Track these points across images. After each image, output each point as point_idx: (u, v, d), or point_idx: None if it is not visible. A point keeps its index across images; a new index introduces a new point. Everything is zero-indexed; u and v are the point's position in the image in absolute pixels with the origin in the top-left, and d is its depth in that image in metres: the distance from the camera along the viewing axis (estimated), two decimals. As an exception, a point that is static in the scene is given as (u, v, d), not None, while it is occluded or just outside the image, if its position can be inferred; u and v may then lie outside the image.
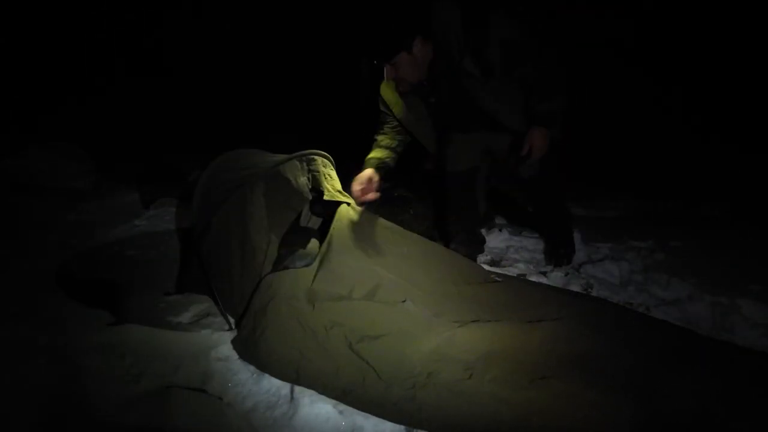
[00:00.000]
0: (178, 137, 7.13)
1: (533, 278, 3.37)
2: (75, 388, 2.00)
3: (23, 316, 2.52)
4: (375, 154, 2.96)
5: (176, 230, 4.01)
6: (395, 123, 2.95)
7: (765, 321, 2.87)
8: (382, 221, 3.06)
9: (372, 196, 2.89)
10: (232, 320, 2.61)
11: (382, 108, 2.98)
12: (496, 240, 4.25)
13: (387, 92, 2.89)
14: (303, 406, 2.04)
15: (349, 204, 2.90)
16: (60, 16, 7.94)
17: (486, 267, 3.31)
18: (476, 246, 3.66)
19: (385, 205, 4.22)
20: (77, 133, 6.16)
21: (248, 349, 2.31)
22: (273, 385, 2.16)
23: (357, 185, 2.87)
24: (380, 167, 2.92)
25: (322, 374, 2.10)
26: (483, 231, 4.26)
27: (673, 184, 6.17)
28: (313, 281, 2.42)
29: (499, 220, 4.74)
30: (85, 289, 3.01)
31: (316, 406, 2.04)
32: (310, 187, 2.94)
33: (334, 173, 3.16)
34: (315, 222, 3.58)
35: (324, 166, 3.01)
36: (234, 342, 2.41)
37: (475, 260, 3.47)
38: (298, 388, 2.11)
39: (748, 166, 6.04)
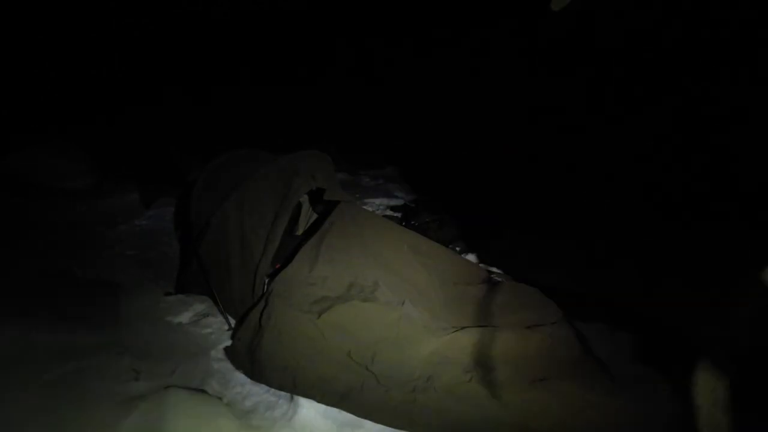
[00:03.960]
0: (178, 137, 7.14)
1: (533, 278, 3.36)
2: (75, 388, 2.00)
3: (24, 316, 2.52)
4: None
5: (176, 230, 4.01)
6: None
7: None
8: (381, 220, 3.06)
9: None
10: (231, 320, 2.62)
11: None
12: (496, 240, 4.26)
13: None
14: (303, 406, 2.04)
15: (347, 202, 2.90)
16: (67, 18, 7.96)
17: (486, 267, 3.31)
18: None
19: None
20: (79, 133, 6.17)
21: (243, 359, 2.28)
22: (273, 385, 2.16)
23: None
24: None
25: (320, 381, 2.09)
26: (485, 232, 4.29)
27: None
28: (310, 280, 2.42)
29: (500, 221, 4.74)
30: (85, 289, 3.01)
31: (316, 406, 2.04)
32: (309, 187, 2.94)
33: (333, 172, 3.16)
34: (314, 221, 3.59)
35: (321, 168, 3.02)
36: (227, 351, 2.39)
37: None
38: (297, 388, 2.12)
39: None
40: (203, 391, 2.09)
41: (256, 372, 2.18)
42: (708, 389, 1.88)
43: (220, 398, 2.08)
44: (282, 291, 2.34)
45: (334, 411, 2.02)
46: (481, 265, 3.39)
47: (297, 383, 2.09)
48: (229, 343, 2.44)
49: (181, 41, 9.16)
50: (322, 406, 2.03)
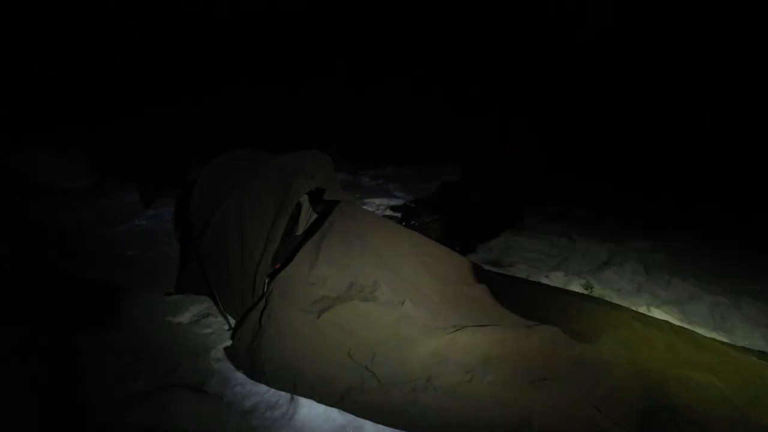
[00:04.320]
0: (178, 137, 7.14)
1: (533, 278, 3.36)
2: (75, 388, 2.00)
3: (24, 316, 2.52)
4: None
5: (176, 230, 4.01)
6: None
7: (765, 321, 2.88)
8: (381, 219, 3.06)
9: None
10: (231, 320, 2.61)
11: None
12: (496, 240, 4.26)
13: None
14: (303, 406, 2.04)
15: (347, 202, 2.90)
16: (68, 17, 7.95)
17: (486, 267, 3.31)
18: None
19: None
20: (79, 133, 6.17)
21: (243, 359, 2.27)
22: (273, 385, 2.16)
23: None
24: None
25: (320, 381, 2.08)
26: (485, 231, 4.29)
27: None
28: (310, 280, 2.41)
29: (500, 222, 4.75)
30: (85, 289, 3.01)
31: (316, 406, 2.04)
32: (309, 187, 2.94)
33: (333, 172, 3.16)
34: (314, 220, 3.58)
35: (321, 168, 3.01)
36: (227, 351, 2.38)
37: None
38: (298, 388, 2.11)
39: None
40: (203, 391, 2.09)
41: (256, 372, 2.18)
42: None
43: (220, 398, 2.07)
44: (282, 291, 2.34)
45: (334, 411, 2.01)
46: (481, 264, 3.39)
47: (297, 383, 2.09)
48: (229, 343, 2.43)
49: (181, 41, 9.16)
50: (322, 406, 2.03)
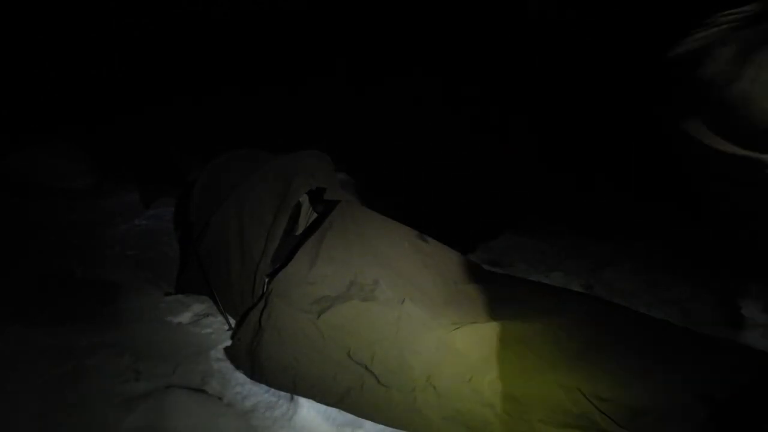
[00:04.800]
0: (178, 137, 7.13)
1: (533, 278, 3.37)
2: (75, 388, 2.00)
3: (24, 316, 2.52)
4: None
5: (176, 230, 4.01)
6: None
7: (765, 321, 2.88)
8: (382, 218, 3.05)
9: None
10: (231, 320, 2.61)
11: None
12: (496, 240, 4.26)
13: None
14: (303, 406, 2.04)
15: (347, 202, 2.90)
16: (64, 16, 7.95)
17: (486, 267, 3.31)
18: None
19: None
20: (79, 133, 6.17)
21: (243, 359, 2.28)
22: (273, 385, 2.16)
23: None
24: None
25: (319, 381, 2.08)
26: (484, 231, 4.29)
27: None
28: (310, 279, 2.41)
29: (500, 222, 4.74)
30: (85, 289, 3.01)
31: (316, 406, 2.04)
32: (308, 186, 2.94)
33: (333, 172, 3.16)
34: (314, 219, 3.58)
35: (321, 168, 3.02)
36: (227, 351, 2.39)
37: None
38: (297, 388, 2.11)
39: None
40: (203, 391, 2.09)
41: (256, 372, 2.18)
42: None
43: (220, 398, 2.08)
44: (282, 290, 2.34)
45: (334, 411, 2.02)
46: (481, 264, 3.39)
47: (297, 383, 2.09)
48: (229, 343, 2.44)
49: (181, 41, 9.16)
50: (322, 406, 2.03)
